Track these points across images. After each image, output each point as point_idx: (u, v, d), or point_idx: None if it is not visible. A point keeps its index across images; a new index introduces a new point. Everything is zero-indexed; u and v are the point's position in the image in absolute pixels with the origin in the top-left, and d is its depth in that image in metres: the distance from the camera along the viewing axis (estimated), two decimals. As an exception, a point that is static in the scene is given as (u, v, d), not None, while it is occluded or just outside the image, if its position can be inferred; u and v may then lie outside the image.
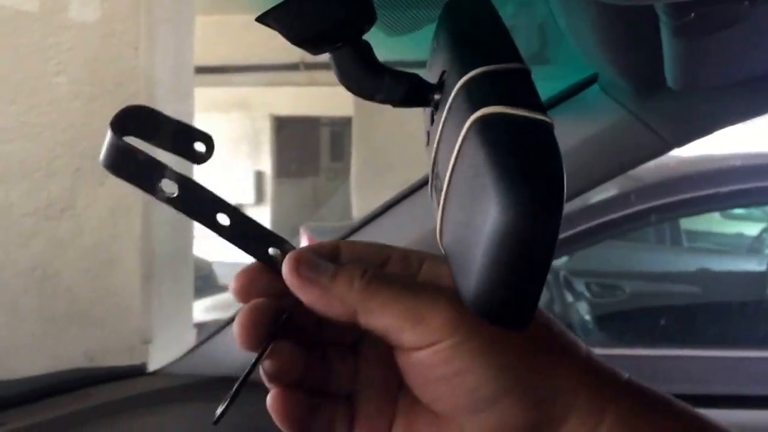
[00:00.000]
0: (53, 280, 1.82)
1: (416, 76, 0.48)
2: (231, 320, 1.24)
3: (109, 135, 0.42)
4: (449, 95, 0.41)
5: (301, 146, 11.23)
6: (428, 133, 0.48)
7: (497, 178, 0.34)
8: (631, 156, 1.05)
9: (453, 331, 0.39)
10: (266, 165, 10.79)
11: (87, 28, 1.83)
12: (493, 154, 0.35)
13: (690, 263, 3.25)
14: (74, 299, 1.81)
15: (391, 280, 0.42)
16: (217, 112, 9.63)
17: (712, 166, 2.35)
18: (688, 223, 3.40)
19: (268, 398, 0.46)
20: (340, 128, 11.16)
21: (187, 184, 0.45)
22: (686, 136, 1.02)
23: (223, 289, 5.70)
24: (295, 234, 5.59)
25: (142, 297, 1.80)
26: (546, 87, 1.19)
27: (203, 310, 3.51)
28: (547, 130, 0.37)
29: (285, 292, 0.45)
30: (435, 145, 0.44)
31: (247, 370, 0.43)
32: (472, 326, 0.40)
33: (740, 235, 3.77)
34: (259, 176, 10.75)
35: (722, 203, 2.44)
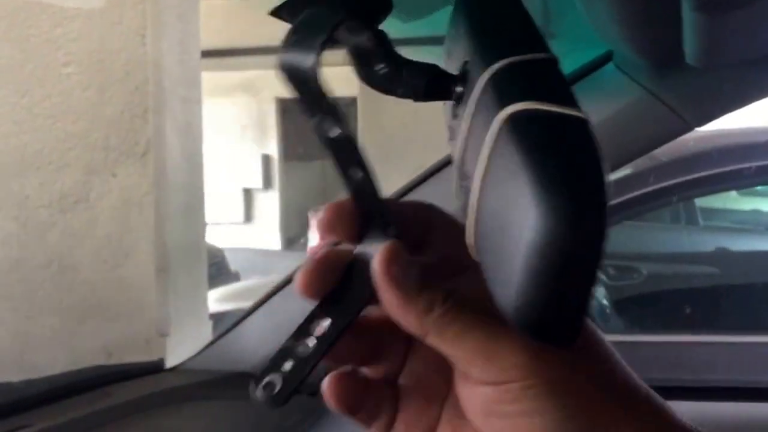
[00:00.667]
0: (70, 273, 1.82)
1: (435, 66, 0.46)
2: (247, 314, 1.23)
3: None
4: (474, 88, 0.39)
5: (307, 129, 11.16)
6: (450, 128, 0.46)
7: (535, 182, 0.32)
8: (650, 137, 1.03)
9: (526, 373, 0.38)
10: (273, 149, 10.78)
11: (94, 17, 1.82)
12: (529, 156, 0.33)
13: (707, 243, 3.22)
14: (91, 292, 1.80)
15: (470, 309, 0.40)
16: (223, 97, 9.63)
17: (729, 142, 2.33)
18: (703, 201, 3.37)
19: (327, 380, 0.45)
20: (346, 108, 11.12)
21: (347, 133, 0.43)
22: (707, 115, 1.00)
23: (235, 276, 5.71)
24: (304, 219, 5.59)
25: (158, 289, 1.79)
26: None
27: (217, 300, 3.50)
28: (585, 126, 0.34)
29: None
30: (462, 143, 0.41)
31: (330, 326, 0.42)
32: (544, 369, 0.38)
33: (757, 212, 3.74)
34: (266, 160, 10.74)
35: (742, 181, 2.42)
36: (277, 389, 0.42)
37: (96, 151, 1.82)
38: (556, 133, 0.34)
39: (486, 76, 0.38)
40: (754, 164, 2.21)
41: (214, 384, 1.20)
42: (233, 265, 6.19)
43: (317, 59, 0.41)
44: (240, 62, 8.02)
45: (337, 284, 0.44)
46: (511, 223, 0.33)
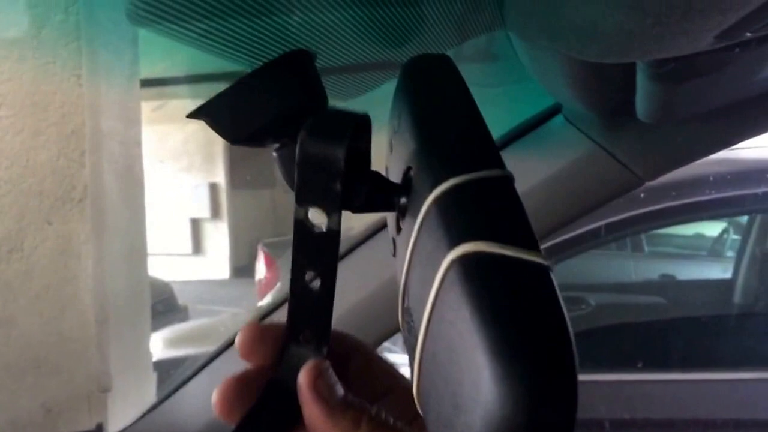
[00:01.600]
0: (5, 328, 1.74)
1: (377, 174, 0.42)
2: (189, 378, 1.18)
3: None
4: (419, 207, 0.35)
5: (255, 156, 11.12)
6: (394, 241, 0.42)
7: (488, 352, 0.27)
8: (601, 192, 1.00)
9: None
10: (221, 176, 10.67)
11: (26, 58, 1.76)
12: (481, 316, 0.28)
13: (652, 269, 3.25)
14: (28, 346, 1.73)
15: (393, 429, 0.39)
16: (170, 124, 9.52)
17: (674, 178, 2.34)
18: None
19: None
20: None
21: (336, 229, 0.39)
22: (658, 169, 0.98)
23: (184, 310, 5.61)
24: (254, 249, 5.52)
25: (98, 342, 1.73)
26: (517, 109, 1.14)
27: (164, 343, 3.42)
28: (545, 276, 0.29)
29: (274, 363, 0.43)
30: (404, 272, 0.37)
31: None
32: None
33: (700, 236, 3.78)
34: (213, 188, 10.62)
35: (689, 215, 2.43)
36: None
37: (30, 197, 1.76)
38: (513, 288, 0.29)
39: (431, 198, 0.34)
40: (700, 198, 2.22)
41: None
42: (182, 298, 6.08)
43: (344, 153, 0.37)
44: (185, 90, 7.93)
45: (256, 407, 0.41)
46: (461, 393, 0.28)
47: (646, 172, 0.98)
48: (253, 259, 6.29)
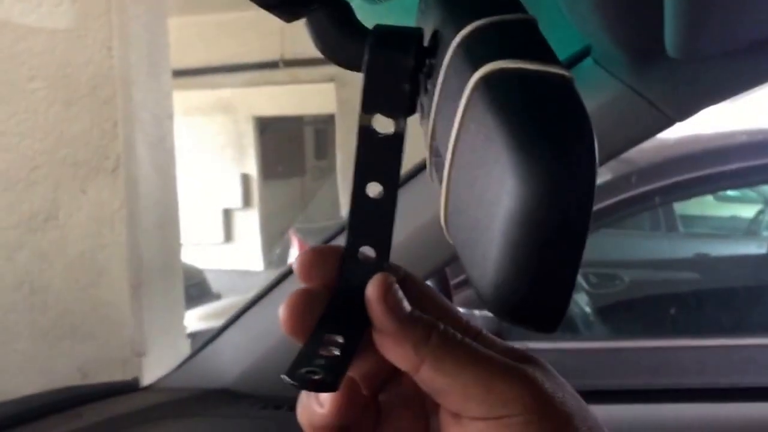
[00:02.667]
0: (41, 294, 1.77)
1: None
2: (223, 329, 1.19)
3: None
4: (444, 56, 0.36)
5: (285, 146, 11.17)
6: (422, 105, 0.42)
7: (512, 144, 0.28)
8: (631, 133, 1.00)
9: (527, 407, 0.36)
10: (252, 167, 10.74)
11: (58, 31, 1.78)
12: (505, 116, 0.29)
13: (687, 249, 3.22)
14: (64, 313, 1.76)
15: (466, 341, 0.38)
16: (200, 116, 9.58)
17: (701, 147, 2.32)
18: (683, 209, 3.37)
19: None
20: (324, 126, 11.09)
21: (401, 133, 0.39)
22: (689, 108, 0.97)
23: (215, 297, 5.66)
24: (285, 240, 5.55)
25: (133, 308, 1.75)
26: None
27: (196, 319, 3.45)
28: (568, 84, 0.31)
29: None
30: (432, 117, 0.38)
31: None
32: (545, 406, 0.36)
33: (735, 218, 3.74)
34: (245, 179, 10.69)
35: (717, 185, 2.41)
36: (320, 377, 0.38)
37: (64, 167, 1.78)
38: (535, 92, 0.30)
39: (457, 40, 0.34)
40: (729, 167, 2.20)
41: (190, 401, 1.16)
42: (215, 286, 6.14)
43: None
44: (216, 80, 7.99)
45: (324, 320, 0.41)
46: (486, 193, 0.29)
47: (676, 112, 0.97)
48: (284, 248, 6.33)
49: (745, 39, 0.87)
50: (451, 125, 0.33)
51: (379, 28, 0.40)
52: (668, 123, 0.98)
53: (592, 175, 0.28)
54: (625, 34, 0.87)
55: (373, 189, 0.40)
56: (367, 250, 0.41)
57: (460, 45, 0.34)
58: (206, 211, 9.98)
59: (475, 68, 0.31)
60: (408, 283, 0.42)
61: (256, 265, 10.32)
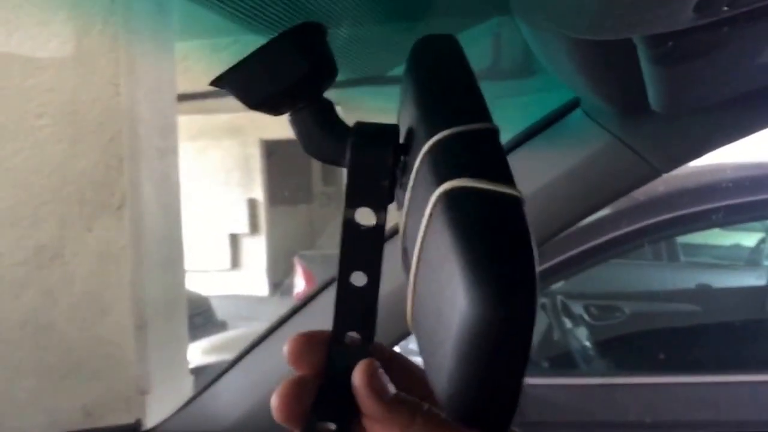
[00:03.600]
0: (47, 332, 1.79)
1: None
2: (223, 372, 1.21)
3: None
4: (416, 160, 0.39)
5: (293, 171, 11.20)
6: (397, 197, 0.45)
7: (464, 264, 0.31)
8: (618, 184, 1.02)
9: None
10: (259, 193, 10.76)
11: (66, 68, 1.81)
12: (459, 236, 0.32)
13: (689, 279, 3.22)
14: (69, 351, 1.78)
15: (447, 420, 0.40)
16: (207, 140, 9.62)
17: (705, 181, 2.33)
18: (684, 237, 3.38)
19: None
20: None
21: (382, 224, 0.43)
22: (674, 160, 0.99)
23: (222, 325, 5.66)
24: (292, 263, 5.56)
25: (136, 346, 1.76)
26: (539, 99, 1.16)
27: (203, 352, 3.46)
28: (516, 205, 0.34)
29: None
30: (404, 215, 0.41)
31: None
32: None
33: (738, 246, 3.75)
34: (252, 204, 10.71)
35: (719, 219, 2.42)
36: None
37: (71, 204, 1.80)
38: (486, 213, 0.33)
39: (425, 148, 0.37)
40: (731, 202, 2.21)
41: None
42: (220, 313, 6.15)
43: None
44: (223, 104, 8.03)
45: (315, 408, 0.43)
46: (443, 306, 0.33)
47: (662, 164, 0.99)
48: (289, 274, 6.34)
49: (726, 94, 0.89)
50: (417, 233, 0.36)
51: (360, 127, 0.43)
52: (655, 174, 1.00)
53: (533, 298, 0.31)
54: (610, 91, 0.90)
55: (357, 278, 0.43)
56: (353, 335, 0.44)
57: (428, 153, 0.37)
58: (213, 236, 10.00)
59: (438, 183, 0.34)
60: (394, 362, 0.45)
61: (262, 290, 10.33)
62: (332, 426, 0.42)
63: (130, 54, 1.83)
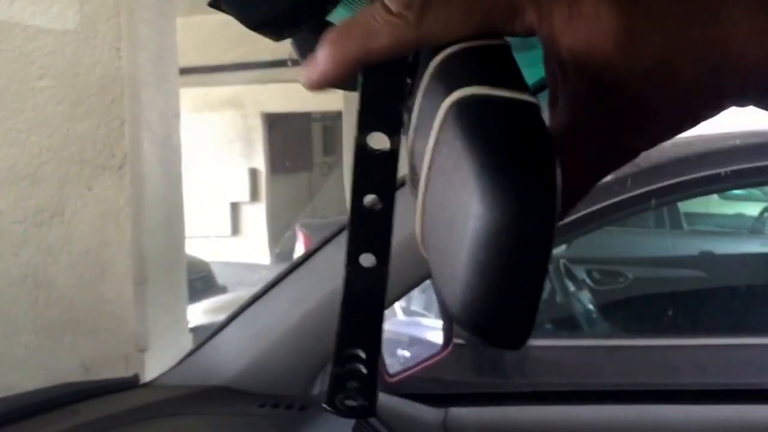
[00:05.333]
0: (45, 289, 1.79)
1: None
2: (223, 325, 1.21)
3: None
4: (423, 78, 0.38)
5: (293, 142, 11.22)
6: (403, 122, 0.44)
7: (478, 168, 0.30)
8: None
9: None
10: (260, 162, 10.78)
11: (68, 32, 1.80)
12: (472, 144, 0.31)
13: (692, 246, 3.22)
14: (67, 307, 1.78)
15: None
16: (210, 111, 9.62)
17: (709, 147, 2.32)
18: (687, 206, 3.37)
19: None
20: (331, 122, 11.13)
21: (396, 149, 0.41)
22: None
23: (221, 289, 5.68)
24: (290, 231, 5.58)
25: (136, 304, 1.77)
26: (530, 73, 1.14)
27: (201, 312, 3.47)
28: (533, 110, 0.32)
29: None
30: (411, 136, 0.40)
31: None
32: None
33: (740, 216, 3.74)
34: (253, 173, 10.74)
35: (722, 184, 2.41)
36: (357, 403, 0.40)
37: (71, 164, 1.80)
38: (501, 118, 0.32)
39: (433, 64, 0.36)
40: (731, 168, 2.20)
41: (189, 399, 1.17)
42: (221, 279, 6.17)
43: None
44: (226, 78, 8.02)
45: (340, 329, 0.42)
46: (456, 215, 0.31)
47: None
48: (290, 242, 6.37)
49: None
50: (426, 147, 0.34)
51: None
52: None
53: (552, 203, 0.30)
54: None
55: (371, 201, 0.42)
56: (368, 258, 0.43)
57: (436, 68, 0.36)
58: (214, 204, 10.03)
59: (448, 93, 0.33)
60: None
61: (263, 258, 10.37)
62: (361, 353, 0.41)
63: (131, 19, 1.83)
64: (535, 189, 0.29)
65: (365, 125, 0.41)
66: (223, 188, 10.36)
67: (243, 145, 10.66)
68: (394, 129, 0.40)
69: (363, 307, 0.40)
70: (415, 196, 0.38)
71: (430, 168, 0.34)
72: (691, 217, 3.57)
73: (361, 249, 0.42)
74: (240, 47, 6.31)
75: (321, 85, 0.38)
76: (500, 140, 0.31)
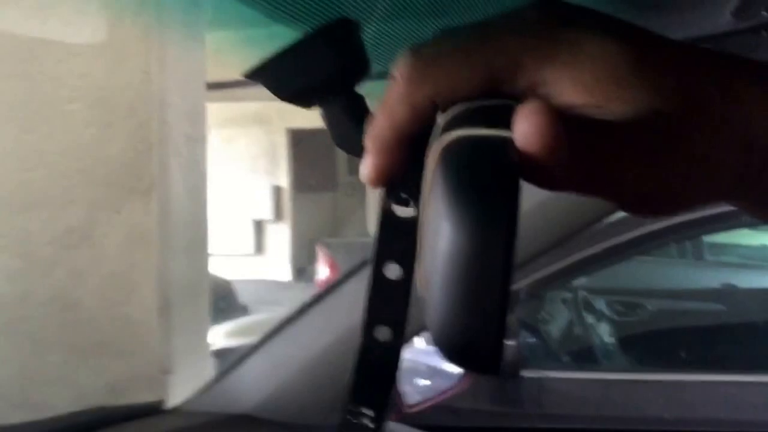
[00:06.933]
0: (74, 311, 1.82)
1: None
2: (248, 354, 1.22)
3: None
4: (434, 137, 0.40)
5: (318, 160, 11.24)
6: None
7: (448, 196, 0.33)
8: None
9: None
10: (284, 180, 10.81)
11: (97, 54, 1.83)
12: (447, 175, 0.34)
13: (714, 279, 3.19)
14: (95, 329, 1.81)
15: None
16: (234, 128, 9.68)
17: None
18: (711, 236, 3.35)
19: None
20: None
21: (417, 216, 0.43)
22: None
23: (243, 309, 5.70)
24: (315, 250, 5.59)
25: (160, 327, 1.79)
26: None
27: (225, 335, 3.49)
28: (504, 144, 0.35)
29: None
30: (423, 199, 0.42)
31: None
32: None
33: (766, 247, 3.70)
34: (277, 191, 10.77)
35: (748, 219, 2.40)
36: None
37: (100, 187, 1.83)
38: (474, 152, 0.35)
39: (442, 120, 0.38)
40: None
41: (213, 427, 1.19)
42: (243, 297, 6.20)
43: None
44: (251, 93, 8.07)
45: (351, 392, 0.43)
46: (435, 241, 0.34)
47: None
48: (313, 260, 6.39)
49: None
50: (424, 193, 0.38)
51: None
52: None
53: (512, 224, 0.32)
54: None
55: (391, 270, 0.43)
56: (383, 331, 0.44)
57: (442, 126, 0.38)
58: (237, 221, 10.06)
59: (440, 139, 0.36)
60: None
61: (285, 276, 10.39)
62: (370, 413, 0.42)
63: (161, 43, 1.85)
64: (493, 212, 0.32)
65: (391, 191, 0.42)
66: (247, 205, 10.38)
67: (267, 162, 10.69)
68: (420, 195, 0.41)
69: (375, 377, 0.41)
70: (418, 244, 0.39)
71: (426, 204, 0.37)
72: (714, 247, 3.55)
73: (377, 321, 0.43)
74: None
75: (381, 178, 0.39)
76: (468, 171, 0.34)
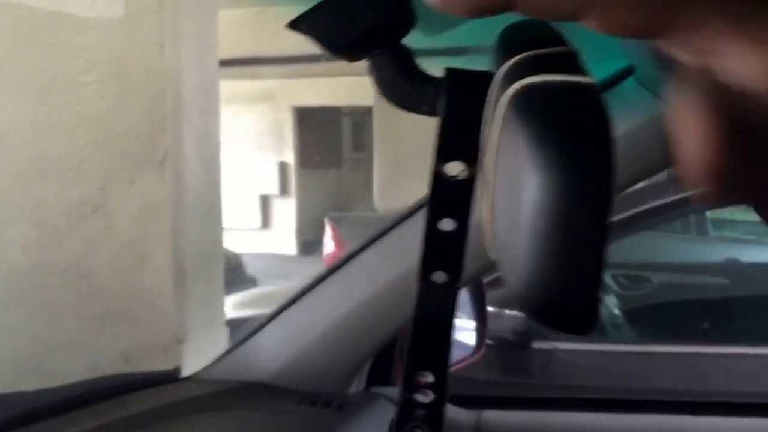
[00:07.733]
0: (88, 279, 1.83)
1: None
2: (263, 324, 1.24)
3: None
4: (493, 90, 0.38)
5: (323, 137, 11.23)
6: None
7: (535, 145, 0.30)
8: (668, 153, 1.03)
9: None
10: (290, 156, 10.81)
11: (113, 27, 1.83)
12: (531, 122, 0.31)
13: (717, 253, 3.21)
14: (109, 298, 1.82)
15: None
16: (242, 105, 9.66)
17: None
18: (714, 212, 3.35)
19: None
20: (361, 118, 11.12)
21: (474, 176, 0.42)
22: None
23: (252, 281, 5.73)
24: (320, 226, 5.60)
25: (175, 296, 1.81)
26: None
27: (234, 306, 3.51)
28: (589, 90, 0.32)
29: None
30: (483, 137, 0.39)
31: None
32: None
33: (768, 222, 3.71)
34: (283, 167, 10.78)
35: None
36: None
37: (114, 158, 1.84)
38: (558, 99, 0.33)
39: (503, 69, 0.37)
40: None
41: (229, 394, 1.20)
42: (250, 270, 6.23)
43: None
44: (259, 71, 8.05)
45: (412, 347, 0.43)
46: (519, 190, 0.31)
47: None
48: (318, 235, 6.41)
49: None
50: (492, 140, 0.35)
51: (454, 73, 0.43)
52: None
53: (609, 168, 0.30)
54: (670, 59, 0.90)
55: (446, 224, 0.43)
56: (439, 275, 0.44)
57: (505, 74, 0.36)
58: (244, 197, 10.08)
59: (509, 86, 0.34)
60: None
61: (291, 250, 10.42)
62: (430, 377, 0.42)
63: (175, 16, 1.86)
64: (590, 157, 0.30)
65: (443, 155, 0.42)
66: (254, 181, 10.39)
67: (273, 139, 10.69)
68: (474, 157, 0.41)
69: (433, 324, 0.42)
70: (486, 194, 0.38)
71: (496, 161, 0.35)
72: (718, 223, 3.56)
73: (433, 267, 0.44)
74: (274, 40, 6.34)
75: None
76: (557, 117, 0.32)
